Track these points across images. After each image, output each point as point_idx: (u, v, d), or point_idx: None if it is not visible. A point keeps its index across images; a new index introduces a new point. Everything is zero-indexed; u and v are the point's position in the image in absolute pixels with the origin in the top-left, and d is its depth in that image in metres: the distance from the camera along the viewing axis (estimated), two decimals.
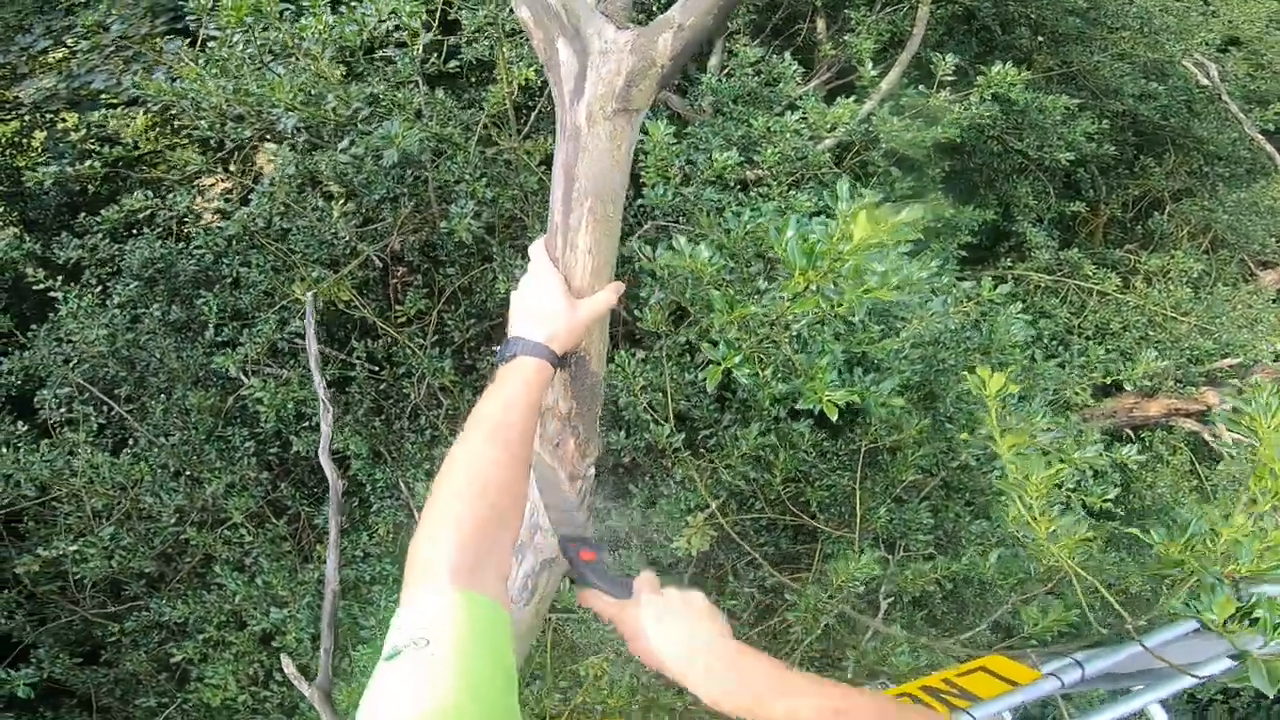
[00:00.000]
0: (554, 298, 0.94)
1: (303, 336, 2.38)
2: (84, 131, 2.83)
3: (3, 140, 3.93)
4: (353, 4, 1.97)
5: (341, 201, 2.20)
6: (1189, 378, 4.19)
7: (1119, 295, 4.06)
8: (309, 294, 2.21)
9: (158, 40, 3.00)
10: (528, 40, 1.30)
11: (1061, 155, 3.50)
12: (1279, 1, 4.99)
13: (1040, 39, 4.05)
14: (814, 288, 1.03)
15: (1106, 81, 4.03)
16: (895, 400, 1.56)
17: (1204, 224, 4.57)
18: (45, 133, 3.88)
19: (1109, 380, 2.74)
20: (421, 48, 2.09)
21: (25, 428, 2.41)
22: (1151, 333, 4.03)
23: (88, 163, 2.57)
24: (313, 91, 1.96)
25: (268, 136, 2.52)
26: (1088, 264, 4.05)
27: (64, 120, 3.89)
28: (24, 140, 3.98)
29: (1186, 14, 4.24)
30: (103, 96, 3.00)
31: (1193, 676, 1.08)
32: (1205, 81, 4.18)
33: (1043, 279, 3.99)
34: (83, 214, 2.48)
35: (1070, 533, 1.24)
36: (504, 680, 0.63)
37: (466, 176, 2.04)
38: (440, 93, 2.14)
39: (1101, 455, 2.15)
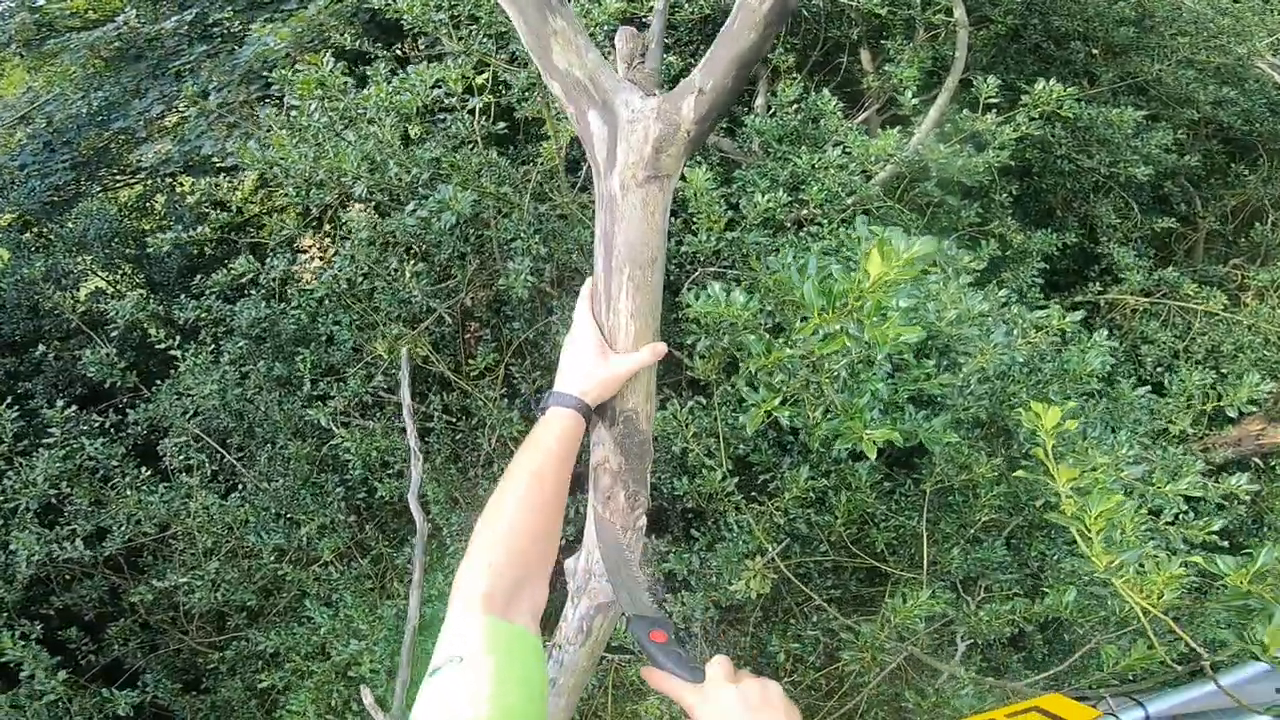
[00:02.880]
0: (588, 353, 1.01)
1: (386, 390, 2.60)
2: (198, 196, 3.05)
3: (128, 205, 4.37)
4: (407, 72, 2.12)
5: (413, 262, 2.36)
6: None
7: (1228, 315, 3.74)
8: (403, 350, 2.41)
9: (254, 105, 3.27)
10: None
11: (1138, 170, 3.32)
12: None
13: (1094, 52, 3.86)
14: (838, 328, 1.04)
15: (1176, 90, 3.80)
16: (949, 436, 1.51)
17: None
18: (165, 197, 4.28)
19: (1210, 408, 2.52)
20: (477, 109, 2.24)
21: (149, 472, 2.66)
22: (1269, 353, 3.68)
23: (201, 228, 2.84)
24: (377, 159, 2.11)
25: (348, 201, 2.76)
26: (1188, 283, 3.75)
27: (180, 184, 4.29)
28: (147, 205, 4.42)
29: (1243, 14, 3.96)
30: (212, 160, 3.25)
31: (1259, 713, 0.99)
32: None
33: (1140, 301, 3.75)
34: (199, 276, 2.74)
35: (1136, 565, 1.18)
36: (529, 695, 0.70)
37: (522, 234, 2.15)
38: (494, 153, 2.28)
39: (1203, 486, 1.99)
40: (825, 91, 2.50)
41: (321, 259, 3.50)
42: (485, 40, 2.30)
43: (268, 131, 2.35)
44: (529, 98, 2.39)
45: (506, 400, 2.62)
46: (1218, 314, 3.73)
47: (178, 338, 2.67)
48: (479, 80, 2.26)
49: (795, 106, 2.56)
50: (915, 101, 2.51)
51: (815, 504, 2.21)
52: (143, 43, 3.87)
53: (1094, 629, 1.82)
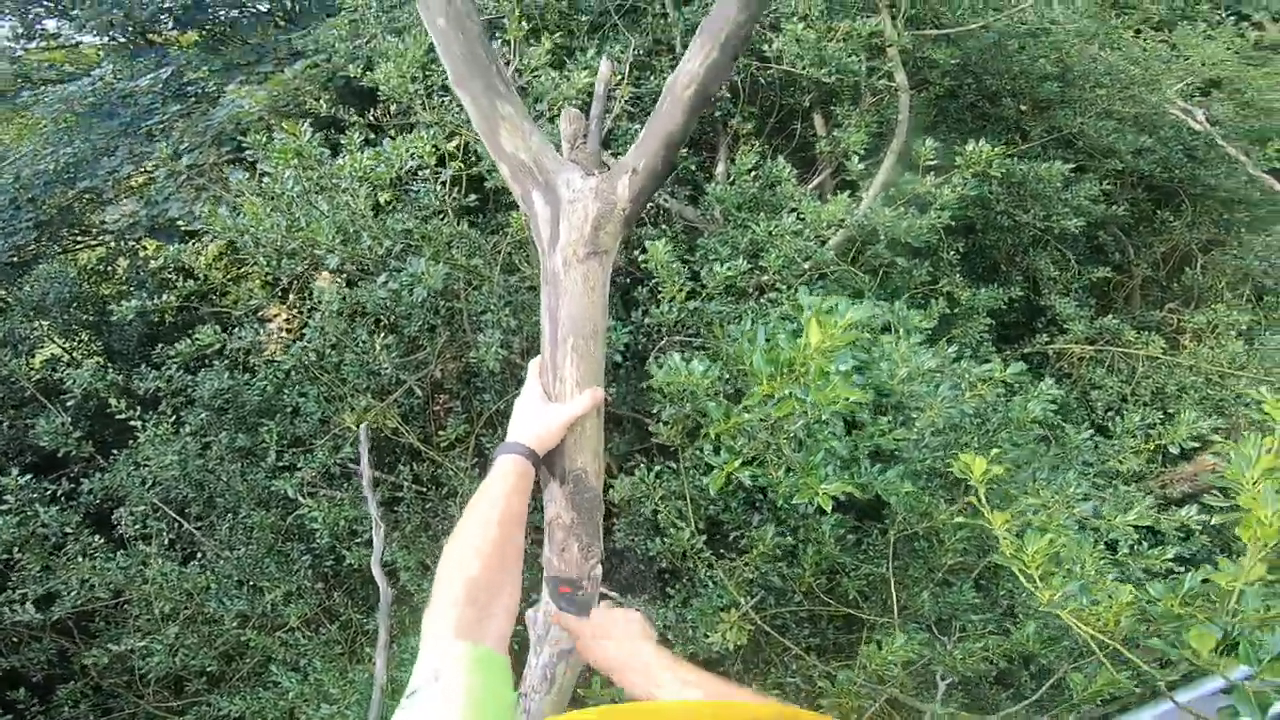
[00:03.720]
0: (533, 406, 1.12)
1: (354, 461, 2.58)
2: (162, 261, 3.02)
3: (89, 268, 4.24)
4: (382, 143, 2.16)
5: (383, 335, 2.39)
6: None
7: (1169, 358, 3.94)
8: (362, 425, 2.41)
9: (224, 168, 3.25)
10: None
11: (1069, 223, 3.53)
12: (1240, 38, 5.02)
13: (1023, 109, 4.09)
14: (787, 393, 1.12)
15: (1098, 142, 4.04)
16: (904, 487, 1.58)
17: (1240, 273, 4.45)
18: (128, 261, 4.19)
19: (1153, 446, 2.66)
20: (449, 180, 2.29)
21: (102, 540, 2.61)
22: (1211, 392, 3.86)
23: (165, 295, 2.79)
24: (350, 229, 2.15)
25: (318, 270, 2.79)
26: (1128, 330, 3.97)
27: (144, 248, 4.16)
28: (109, 268, 4.31)
29: (1150, 63, 4.29)
30: (178, 224, 3.18)
31: None
32: (1196, 127, 4.18)
33: (1085, 350, 3.93)
34: (160, 345, 2.72)
35: (1087, 597, 1.25)
36: (501, 708, 0.77)
37: (492, 306, 2.21)
38: (465, 224, 2.35)
39: (1154, 518, 2.08)
40: (780, 159, 2.65)
41: (288, 330, 3.48)
42: (458, 111, 2.39)
43: (238, 197, 2.37)
44: (498, 168, 2.48)
45: (477, 470, 2.64)
46: (1159, 357, 3.93)
47: (138, 408, 2.63)
48: (450, 147, 2.34)
49: (753, 174, 2.71)
50: (861, 167, 2.67)
51: (785, 558, 2.26)
52: (117, 99, 3.85)
53: (1059, 659, 1.88)
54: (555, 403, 1.12)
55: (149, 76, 3.83)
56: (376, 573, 2.15)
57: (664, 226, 2.92)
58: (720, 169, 3.21)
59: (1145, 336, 3.93)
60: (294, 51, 3.66)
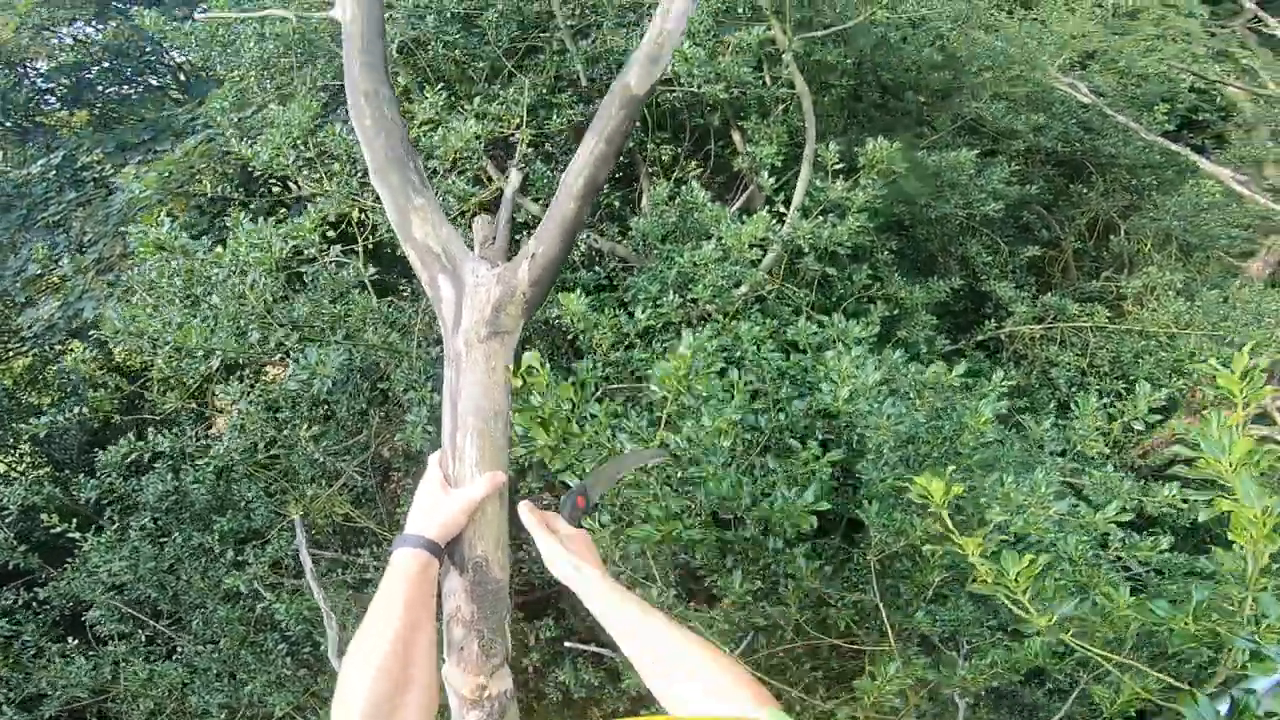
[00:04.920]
0: (431, 494, 1.07)
1: (315, 547, 2.57)
2: (89, 365, 2.84)
3: (21, 377, 4.07)
4: (256, 226, 2.04)
5: (307, 426, 2.26)
6: None
7: (1117, 326, 3.98)
8: (296, 517, 2.28)
9: (130, 260, 3.02)
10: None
11: (988, 208, 3.56)
12: (1099, 7, 5.22)
13: (923, 100, 4.14)
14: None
15: (998, 124, 4.11)
16: (821, 506, 1.53)
17: (1163, 234, 4.55)
18: (55, 366, 3.94)
19: (1117, 426, 2.61)
20: (360, 253, 2.20)
21: (76, 641, 2.65)
22: (1164, 353, 3.89)
23: (96, 393, 2.76)
24: (241, 323, 2.04)
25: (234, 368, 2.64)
26: (1070, 304, 4.00)
27: (71, 351, 4.04)
28: (39, 376, 4.12)
29: (1025, 42, 4.42)
30: (96, 325, 2.99)
31: None
32: (1085, 100, 4.29)
33: (1035, 329, 3.95)
34: (100, 451, 2.62)
35: (1088, 609, 1.17)
36: None
37: (415, 384, 2.11)
38: (374, 300, 2.25)
39: (1136, 505, 2.01)
40: (694, 183, 2.56)
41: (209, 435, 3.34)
42: (349, 179, 2.31)
43: (131, 297, 2.27)
44: (407, 255, 2.40)
45: None
46: (1106, 327, 3.97)
47: (74, 520, 2.58)
48: (356, 214, 2.24)
49: (672, 202, 2.65)
50: (772, 181, 2.60)
51: (766, 597, 2.14)
52: (11, 190, 3.70)
53: (1074, 671, 1.78)
54: (455, 488, 1.07)
55: (40, 163, 3.70)
56: (335, 664, 2.11)
57: (598, 268, 2.84)
58: (645, 201, 3.16)
59: (1089, 308, 3.97)
60: (189, 127, 3.56)
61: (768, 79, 3.11)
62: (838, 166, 2.50)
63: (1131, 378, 3.83)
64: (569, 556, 1.02)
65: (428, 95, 2.40)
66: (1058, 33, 4.82)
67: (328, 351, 1.90)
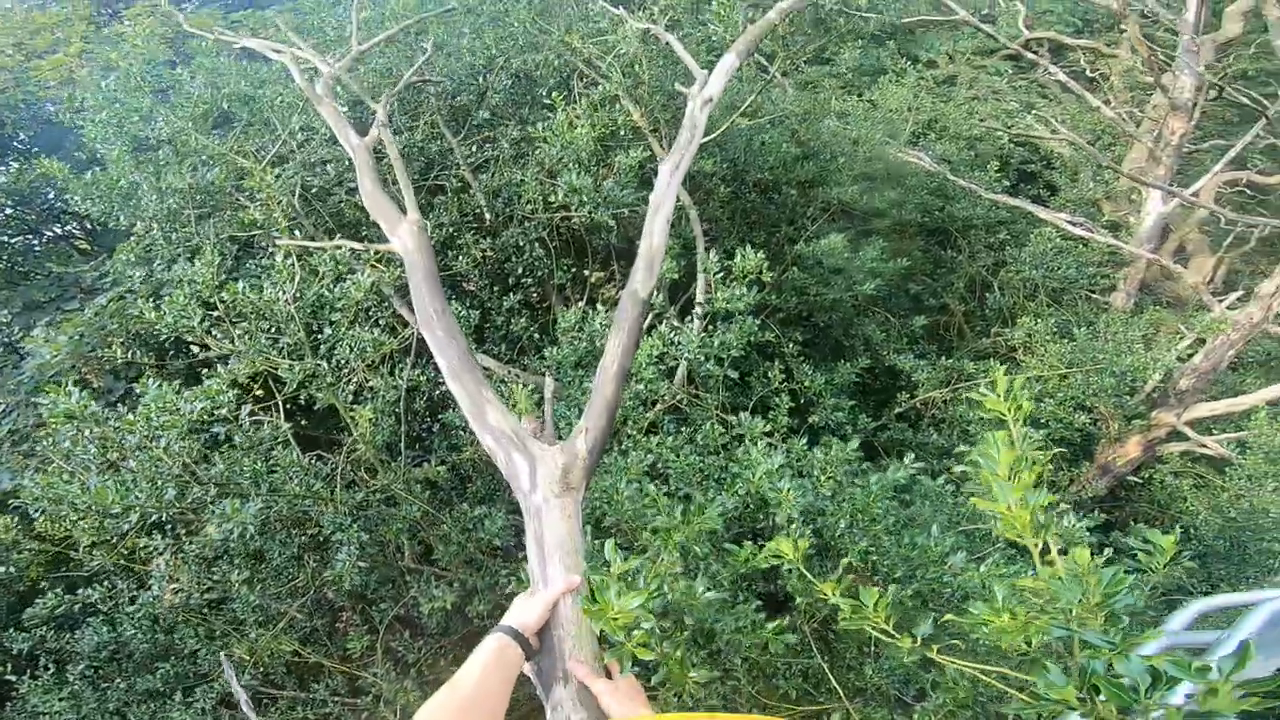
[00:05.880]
0: (520, 600, 1.31)
1: (265, 686, 2.65)
2: (9, 533, 2.87)
3: None
4: (164, 391, 2.12)
5: (239, 573, 2.37)
6: (1130, 411, 4.49)
7: (1012, 378, 4.34)
8: (223, 655, 2.43)
9: (45, 428, 3.01)
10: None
11: (867, 286, 3.96)
12: (922, 80, 5.99)
13: (794, 193, 4.64)
14: None
15: (863, 205, 4.62)
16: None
17: (1030, 284, 5.07)
18: None
19: (1033, 475, 2.88)
20: (280, 407, 2.32)
21: None
22: (1062, 393, 4.21)
23: (20, 555, 2.77)
24: (158, 484, 2.13)
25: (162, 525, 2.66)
26: (967, 363, 4.39)
27: None
28: None
29: (870, 124, 5.02)
30: (16, 494, 2.90)
31: None
32: (931, 168, 4.87)
33: (943, 393, 4.28)
34: (35, 604, 2.69)
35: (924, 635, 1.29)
36: None
37: (341, 526, 2.25)
38: (295, 454, 2.39)
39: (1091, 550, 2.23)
40: (598, 308, 2.86)
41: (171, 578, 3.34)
42: (261, 335, 2.45)
43: (47, 466, 2.35)
44: (320, 385, 2.53)
45: (395, 673, 2.64)
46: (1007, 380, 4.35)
47: (8, 665, 2.62)
48: (285, 366, 2.38)
49: (580, 330, 2.93)
50: (660, 300, 2.87)
51: (717, 681, 2.23)
52: None
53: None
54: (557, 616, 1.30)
55: None
56: None
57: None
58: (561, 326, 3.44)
59: (984, 364, 4.36)
60: (97, 284, 3.55)
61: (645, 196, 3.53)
62: (718, 274, 2.77)
63: (1041, 420, 4.17)
64: (625, 702, 1.19)
65: (326, 249, 2.60)
66: (892, 109, 5.52)
67: (245, 504, 2.03)
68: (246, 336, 2.52)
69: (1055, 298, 5.11)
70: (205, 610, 2.61)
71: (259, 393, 2.65)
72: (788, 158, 4.55)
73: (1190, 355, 4.59)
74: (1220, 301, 4.83)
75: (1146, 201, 5.61)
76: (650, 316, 3.59)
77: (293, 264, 2.64)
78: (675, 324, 2.84)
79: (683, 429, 2.56)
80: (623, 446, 2.43)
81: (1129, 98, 7.47)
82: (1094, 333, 4.45)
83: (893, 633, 1.28)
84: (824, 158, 4.83)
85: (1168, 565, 1.54)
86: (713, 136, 3.48)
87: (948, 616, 1.22)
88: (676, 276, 3.15)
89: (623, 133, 3.54)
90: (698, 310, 3.07)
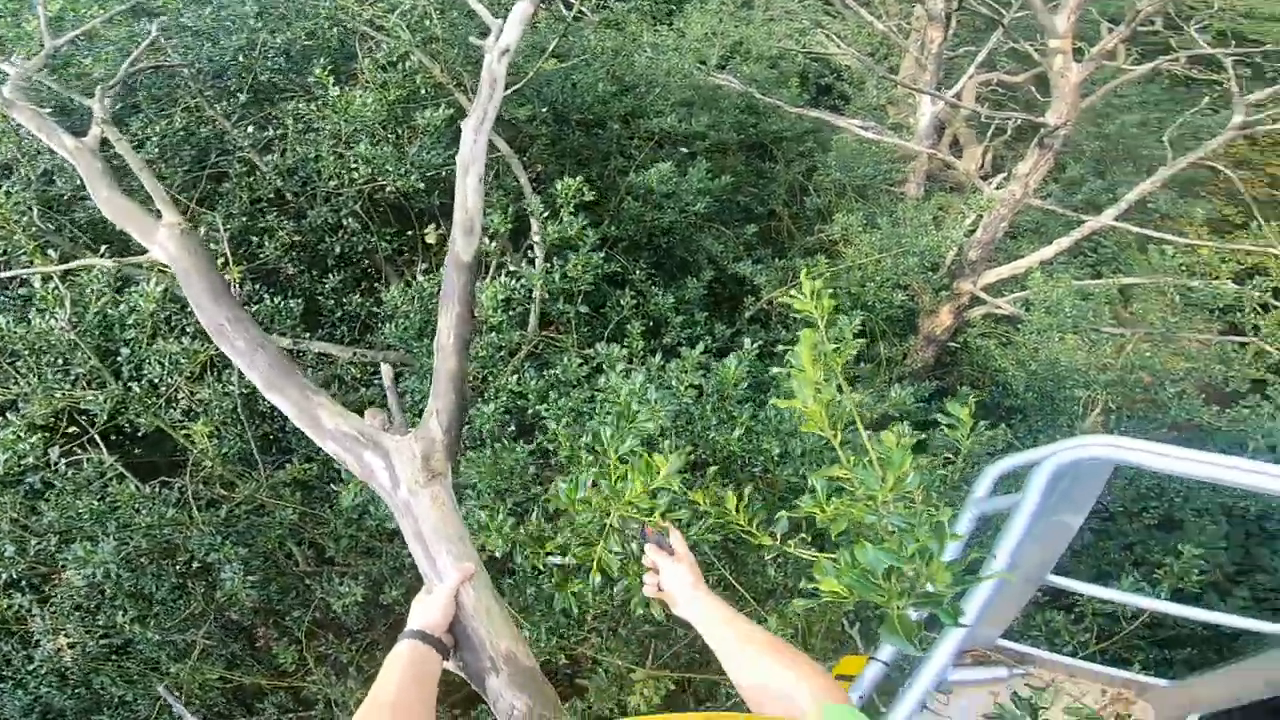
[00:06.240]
0: (418, 602, 1.24)
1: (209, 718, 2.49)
2: None
3: None
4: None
5: (124, 614, 2.24)
6: (937, 284, 5.12)
7: (836, 267, 4.78)
8: (161, 687, 2.34)
9: None
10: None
11: (699, 205, 4.12)
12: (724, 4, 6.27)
13: (618, 128, 4.68)
14: None
15: (684, 130, 4.78)
16: None
17: (840, 184, 5.56)
18: None
19: (851, 352, 3.20)
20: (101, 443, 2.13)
21: None
22: (880, 277, 4.68)
23: None
24: None
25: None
26: (798, 261, 4.75)
27: None
28: None
29: (670, 51, 5.17)
30: None
31: None
32: (740, 89, 5.14)
33: (782, 292, 4.60)
34: None
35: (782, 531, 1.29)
36: None
37: (214, 545, 2.12)
38: (141, 484, 2.23)
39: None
40: (419, 277, 2.78)
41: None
42: (47, 370, 2.25)
43: None
44: (136, 410, 2.37)
45: (334, 676, 2.59)
46: (825, 272, 4.76)
47: None
48: (87, 398, 2.17)
49: (412, 300, 2.82)
50: (493, 246, 2.85)
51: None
52: None
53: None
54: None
55: None
56: None
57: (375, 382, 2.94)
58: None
59: (813, 261, 4.74)
60: None
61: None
62: (544, 213, 2.76)
63: (869, 303, 4.64)
64: (688, 577, 1.17)
65: (74, 268, 2.39)
66: (698, 38, 5.69)
67: (98, 546, 1.91)
68: (32, 375, 2.25)
69: (861, 193, 5.65)
70: (113, 656, 2.43)
71: (72, 430, 2.40)
72: (605, 95, 4.55)
73: (973, 231, 5.26)
74: (989, 183, 5.59)
75: (920, 104, 6.25)
76: (494, 267, 3.54)
77: (56, 287, 2.33)
78: (513, 268, 2.82)
79: (545, 372, 2.58)
80: (487, 398, 2.42)
81: (898, 10, 8.18)
82: (895, 220, 4.99)
83: (754, 532, 1.29)
84: (640, 90, 4.88)
85: (972, 430, 1.78)
86: (519, 85, 3.45)
87: (782, 514, 1.26)
88: (511, 226, 3.10)
89: (423, 91, 3.38)
90: (535, 247, 3.05)
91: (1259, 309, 5.05)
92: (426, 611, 1.20)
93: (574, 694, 2.61)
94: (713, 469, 1.77)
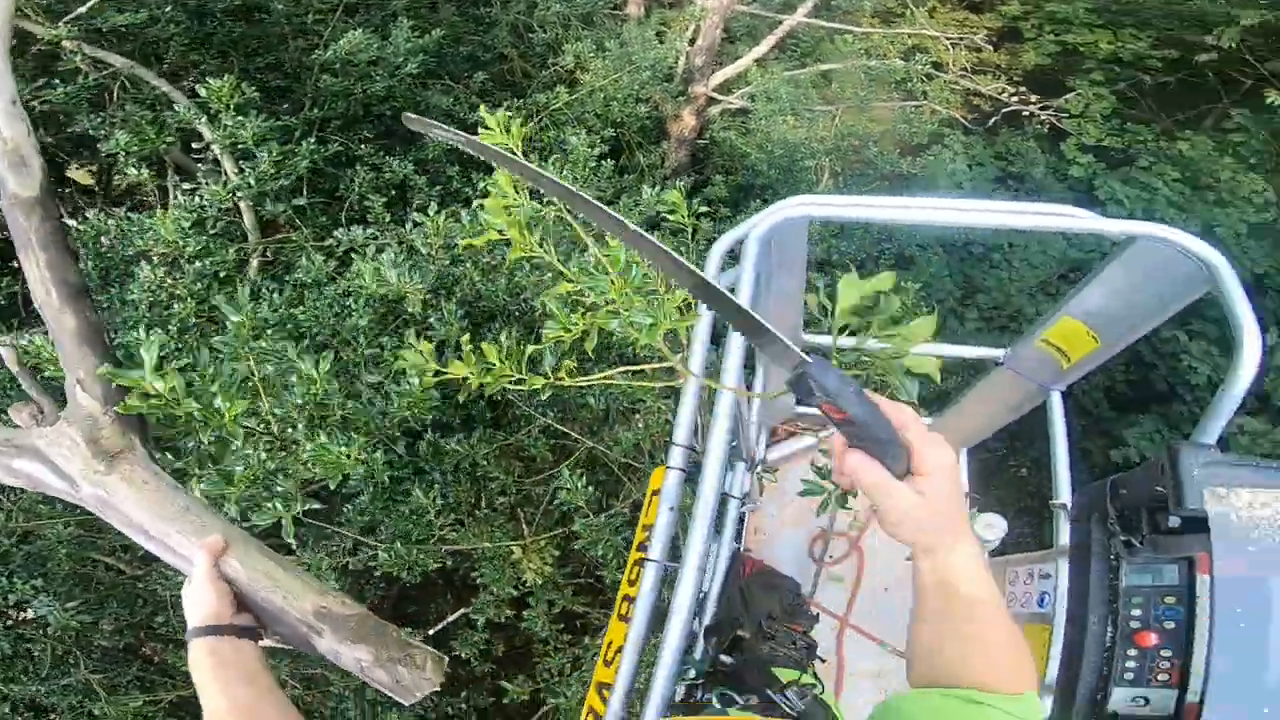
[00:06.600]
0: (186, 590, 1.09)
1: None
2: None
3: None
4: None
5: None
6: (673, 91, 5.56)
7: (578, 94, 4.72)
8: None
9: None
10: None
11: (410, 66, 3.77)
12: None
13: (280, 5, 4.04)
14: None
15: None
16: None
17: (563, 18, 5.40)
18: None
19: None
20: None
21: None
22: (621, 94, 4.85)
23: None
24: None
25: None
26: (539, 97, 4.63)
27: None
28: None
29: None
30: None
31: None
32: None
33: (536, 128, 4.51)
34: None
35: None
36: None
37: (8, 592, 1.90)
38: None
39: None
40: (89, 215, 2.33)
41: None
42: None
43: None
44: None
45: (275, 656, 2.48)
46: (571, 103, 4.70)
47: None
48: None
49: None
50: (145, 174, 2.48)
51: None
52: None
53: None
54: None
55: None
56: None
57: None
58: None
59: (555, 92, 4.60)
60: None
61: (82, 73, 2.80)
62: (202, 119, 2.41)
63: (616, 120, 4.77)
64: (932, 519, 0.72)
65: None
66: None
67: None
68: None
69: (587, 21, 5.51)
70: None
71: None
72: None
73: (695, 40, 5.65)
74: None
75: None
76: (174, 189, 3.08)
77: None
78: (194, 183, 2.45)
79: (288, 278, 2.36)
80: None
81: None
82: (622, 41, 5.11)
83: (522, 376, 1.20)
84: None
85: (692, 215, 1.91)
86: None
87: (530, 347, 1.20)
88: (171, 142, 2.64)
89: None
90: (219, 157, 2.66)
91: (924, 78, 6.48)
92: (199, 602, 1.05)
93: (469, 593, 2.74)
94: (504, 331, 1.64)
